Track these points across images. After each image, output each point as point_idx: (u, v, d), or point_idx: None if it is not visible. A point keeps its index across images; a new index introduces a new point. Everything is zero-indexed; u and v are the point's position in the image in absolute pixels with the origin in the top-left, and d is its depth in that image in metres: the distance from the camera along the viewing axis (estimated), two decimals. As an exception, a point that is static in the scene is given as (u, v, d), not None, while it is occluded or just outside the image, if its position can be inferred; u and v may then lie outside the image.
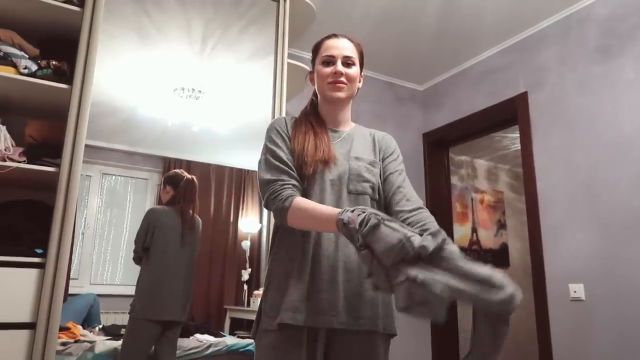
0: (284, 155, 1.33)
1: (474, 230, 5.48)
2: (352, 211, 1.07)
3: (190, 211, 2.91)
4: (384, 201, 1.37)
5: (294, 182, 1.29)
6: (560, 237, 2.84)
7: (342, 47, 1.41)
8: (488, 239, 5.57)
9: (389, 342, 1.32)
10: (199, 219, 3.02)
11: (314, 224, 1.22)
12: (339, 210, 1.13)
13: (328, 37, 1.45)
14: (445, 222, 3.76)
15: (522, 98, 3.18)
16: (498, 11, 3.02)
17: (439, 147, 3.92)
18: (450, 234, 3.89)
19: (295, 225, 1.25)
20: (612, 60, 2.72)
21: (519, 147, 3.23)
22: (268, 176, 1.30)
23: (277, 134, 1.38)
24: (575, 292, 2.71)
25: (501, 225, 5.72)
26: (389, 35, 3.27)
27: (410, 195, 1.35)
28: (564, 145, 2.91)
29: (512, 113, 3.25)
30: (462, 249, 5.22)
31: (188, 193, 2.94)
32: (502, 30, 3.23)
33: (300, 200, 1.24)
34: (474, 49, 3.48)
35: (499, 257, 5.58)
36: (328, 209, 1.18)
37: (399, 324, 1.32)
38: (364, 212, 1.04)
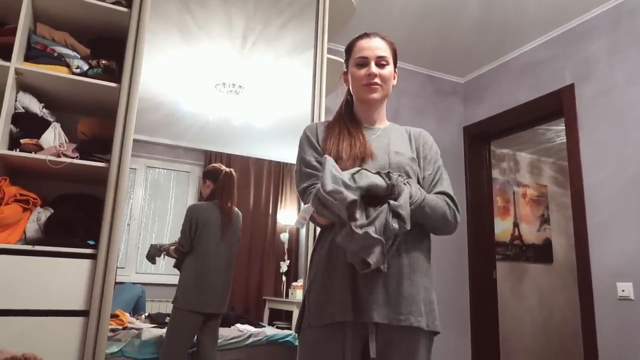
0: (313, 160, 1.37)
1: (516, 224, 5.36)
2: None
3: (229, 204, 2.96)
4: None
5: None
6: (608, 234, 2.74)
7: (374, 47, 1.40)
8: (530, 234, 5.43)
9: (432, 339, 1.31)
10: (238, 211, 3.07)
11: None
12: None
13: (360, 37, 1.45)
14: (486, 216, 3.69)
15: (569, 90, 3.07)
16: (543, 1, 2.92)
17: (480, 141, 3.84)
18: (491, 228, 3.82)
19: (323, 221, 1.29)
20: (666, 50, 2.59)
21: (564, 140, 3.13)
22: (302, 185, 1.36)
23: (306, 141, 1.42)
24: (623, 291, 2.62)
25: (544, 220, 5.57)
26: (430, 27, 3.22)
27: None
28: (612, 139, 2.80)
29: (558, 106, 3.15)
30: (504, 243, 5.14)
31: (227, 186, 2.99)
32: (547, 20, 3.13)
33: None
34: (517, 41, 3.38)
35: (541, 252, 5.44)
36: None
37: (440, 321, 1.32)
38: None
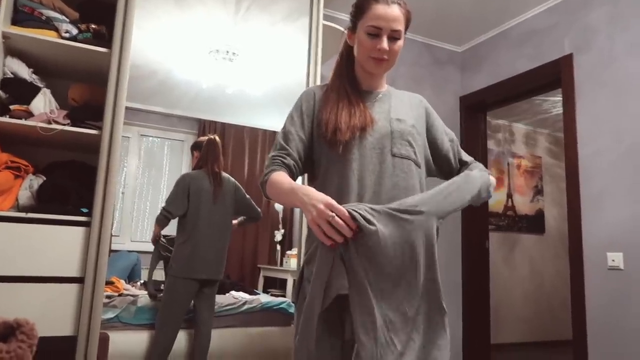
0: (293, 130, 1.32)
1: (509, 195, 5.40)
2: None
3: (216, 169, 2.96)
4: (449, 176, 1.39)
5: (287, 159, 1.28)
6: (601, 205, 2.76)
7: (391, 18, 1.29)
8: (524, 204, 5.48)
9: None
10: (228, 175, 3.06)
11: (284, 199, 1.25)
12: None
13: (377, 0, 1.31)
14: (480, 187, 3.70)
15: (567, 60, 3.04)
16: (545, -33, 2.85)
17: (476, 111, 3.82)
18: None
19: (274, 199, 1.29)
20: (667, 20, 2.55)
21: (561, 111, 3.11)
22: (271, 152, 1.32)
23: (298, 109, 1.36)
24: (613, 260, 2.66)
25: (538, 191, 5.61)
26: (428, -6, 3.16)
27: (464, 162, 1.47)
28: (609, 110, 2.79)
29: (556, 76, 3.12)
30: (497, 214, 5.19)
31: (211, 151, 2.99)
32: (548, -13, 3.07)
33: (275, 174, 1.25)
34: (517, 9, 3.32)
35: (534, 223, 5.50)
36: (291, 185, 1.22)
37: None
38: None
